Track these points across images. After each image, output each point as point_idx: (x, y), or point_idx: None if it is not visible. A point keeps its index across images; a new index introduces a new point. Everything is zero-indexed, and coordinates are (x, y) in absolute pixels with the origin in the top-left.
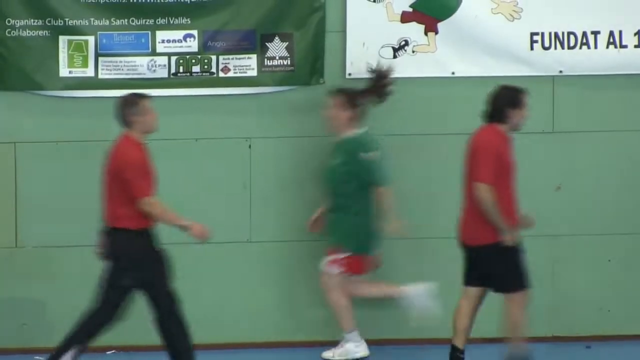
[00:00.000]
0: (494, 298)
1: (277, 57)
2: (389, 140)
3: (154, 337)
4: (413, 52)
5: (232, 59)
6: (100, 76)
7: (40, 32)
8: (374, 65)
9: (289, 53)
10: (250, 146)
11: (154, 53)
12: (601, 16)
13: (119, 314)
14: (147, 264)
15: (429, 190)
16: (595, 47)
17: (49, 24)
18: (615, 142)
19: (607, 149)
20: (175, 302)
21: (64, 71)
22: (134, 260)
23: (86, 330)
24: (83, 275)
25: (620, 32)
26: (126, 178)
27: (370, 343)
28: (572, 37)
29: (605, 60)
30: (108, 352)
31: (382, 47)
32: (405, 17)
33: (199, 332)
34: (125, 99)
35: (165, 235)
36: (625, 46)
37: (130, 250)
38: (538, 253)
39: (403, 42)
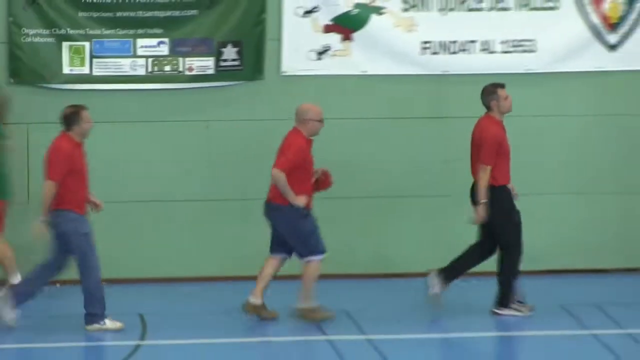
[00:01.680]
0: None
1: (230, 60)
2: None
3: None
4: (333, 55)
5: (195, 60)
6: (94, 73)
7: (48, 39)
8: None
9: (238, 56)
10: (207, 127)
11: (134, 56)
12: (476, 29)
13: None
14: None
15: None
16: (472, 52)
17: (54, 33)
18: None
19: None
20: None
21: (66, 69)
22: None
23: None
24: None
25: (490, 41)
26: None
27: None
28: (454, 45)
29: (479, 63)
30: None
31: (309, 51)
32: (327, 29)
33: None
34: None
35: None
36: (494, 52)
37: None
38: None
39: (325, 48)
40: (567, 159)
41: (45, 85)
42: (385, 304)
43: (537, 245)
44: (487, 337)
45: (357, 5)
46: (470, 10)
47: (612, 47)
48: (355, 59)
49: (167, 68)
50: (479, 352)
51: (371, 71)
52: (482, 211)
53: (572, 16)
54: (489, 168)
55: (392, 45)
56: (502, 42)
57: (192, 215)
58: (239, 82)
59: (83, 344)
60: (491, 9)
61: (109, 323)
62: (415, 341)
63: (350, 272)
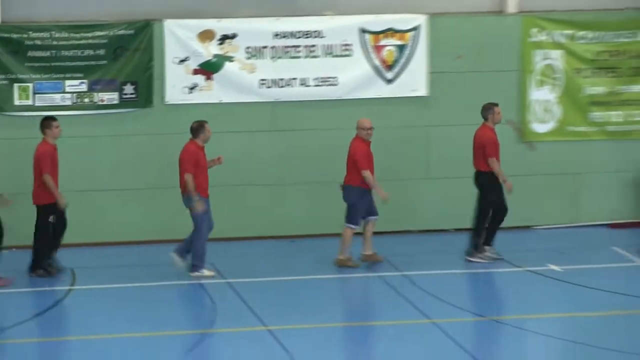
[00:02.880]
0: None
1: (129, 93)
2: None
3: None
4: (200, 90)
5: (105, 94)
6: (36, 104)
7: (4, 82)
8: None
9: (135, 91)
10: (115, 141)
11: (64, 92)
12: (297, 71)
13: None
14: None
15: None
16: (294, 86)
17: (8, 77)
18: (313, 137)
19: (314, 142)
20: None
21: (16, 101)
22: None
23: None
24: None
25: (306, 78)
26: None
27: None
28: (282, 81)
29: (299, 93)
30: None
31: (183, 87)
32: (195, 72)
33: None
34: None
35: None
36: (309, 85)
37: None
38: None
39: (194, 85)
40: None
41: (2, 112)
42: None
43: None
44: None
45: (215, 56)
46: (292, 57)
47: (389, 81)
48: (215, 92)
49: (86, 100)
50: None
51: (226, 100)
52: (509, 185)
53: (361, 60)
54: (494, 159)
55: (240, 82)
56: (314, 79)
57: (118, 198)
58: (135, 109)
59: (27, 289)
60: (306, 56)
61: (206, 272)
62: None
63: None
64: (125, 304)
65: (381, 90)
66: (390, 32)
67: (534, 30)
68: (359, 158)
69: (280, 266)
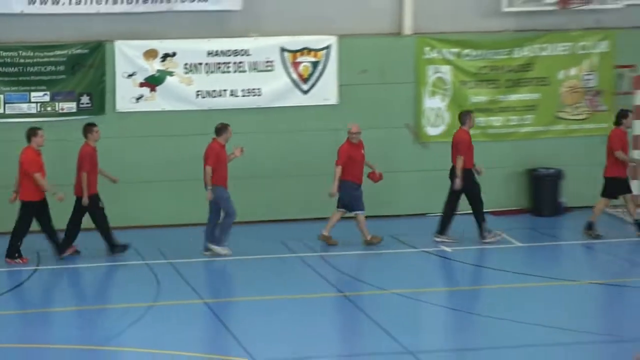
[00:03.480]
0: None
1: (85, 103)
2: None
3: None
4: (145, 100)
5: (65, 104)
6: (6, 112)
7: None
8: None
9: (90, 101)
10: (71, 143)
11: (29, 102)
12: (228, 83)
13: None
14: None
15: None
16: (225, 96)
17: None
18: (241, 139)
19: (242, 143)
20: None
21: None
22: None
23: None
24: None
25: (235, 90)
26: None
27: None
28: (215, 92)
29: (229, 102)
30: None
31: (131, 97)
32: (141, 85)
33: None
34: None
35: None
36: (238, 96)
37: None
38: None
39: (140, 96)
40: (276, 155)
41: None
42: None
43: None
44: None
45: (158, 71)
46: (223, 72)
47: (305, 92)
48: (158, 101)
49: (49, 109)
50: None
51: (167, 108)
52: (459, 182)
53: (282, 75)
54: (462, 157)
55: (179, 93)
56: (242, 90)
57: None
58: (90, 116)
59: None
60: (235, 71)
61: (221, 250)
62: None
63: None
64: (78, 282)
65: (298, 99)
66: (305, 50)
67: (427, 49)
68: (339, 155)
69: None
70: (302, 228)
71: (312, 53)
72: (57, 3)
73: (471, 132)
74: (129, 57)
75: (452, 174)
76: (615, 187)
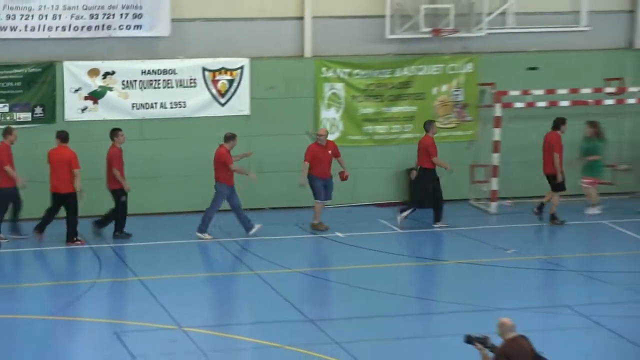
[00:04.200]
0: None
1: (39, 113)
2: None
3: None
4: (89, 111)
5: (22, 114)
6: None
7: None
8: None
9: (43, 112)
10: (37, 147)
11: None
12: (160, 97)
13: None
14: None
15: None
16: (157, 108)
17: None
18: (170, 143)
19: (171, 147)
20: None
21: None
22: None
23: None
24: None
25: (165, 102)
26: None
27: None
28: (148, 104)
29: (160, 113)
30: None
31: (77, 109)
32: (85, 98)
33: None
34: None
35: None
36: (167, 108)
37: None
38: None
39: (85, 107)
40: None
41: None
42: None
43: None
44: None
45: (100, 87)
46: (155, 88)
47: (223, 104)
48: (101, 112)
49: (8, 118)
50: None
51: (108, 118)
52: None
53: (203, 90)
54: (437, 157)
55: (118, 105)
56: (170, 103)
57: (38, 187)
58: (43, 124)
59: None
60: (164, 87)
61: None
62: None
63: None
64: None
65: (217, 111)
66: (223, 70)
67: (324, 69)
68: (305, 154)
69: (150, 236)
70: (221, 218)
71: (229, 72)
72: (15, 30)
73: (360, 138)
74: (75, 75)
75: (422, 172)
76: (554, 181)
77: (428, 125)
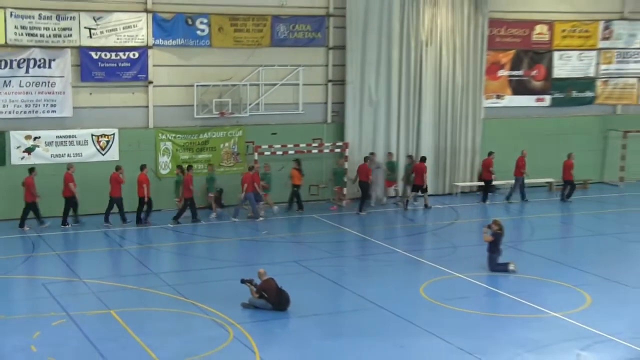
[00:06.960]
0: None
1: None
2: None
3: None
4: (25, 159)
5: None
6: None
7: None
8: None
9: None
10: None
11: None
12: (67, 151)
13: None
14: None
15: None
16: (65, 157)
17: None
18: (84, 177)
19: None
20: None
21: None
22: None
23: None
24: None
25: (70, 154)
26: None
27: None
28: (61, 155)
29: (69, 159)
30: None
31: (18, 157)
32: (23, 151)
33: None
34: None
35: None
36: (68, 156)
37: None
38: None
39: (23, 157)
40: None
41: None
42: None
43: None
44: None
45: (32, 145)
46: (65, 146)
47: (103, 154)
48: (32, 159)
49: None
50: None
51: (37, 162)
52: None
53: (91, 146)
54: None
55: (42, 155)
56: (73, 153)
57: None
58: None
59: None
60: (70, 145)
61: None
62: None
63: None
64: None
65: (100, 158)
66: (103, 135)
67: (160, 134)
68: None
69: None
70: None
71: (106, 136)
72: None
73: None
74: (17, 139)
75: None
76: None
77: (366, 158)
